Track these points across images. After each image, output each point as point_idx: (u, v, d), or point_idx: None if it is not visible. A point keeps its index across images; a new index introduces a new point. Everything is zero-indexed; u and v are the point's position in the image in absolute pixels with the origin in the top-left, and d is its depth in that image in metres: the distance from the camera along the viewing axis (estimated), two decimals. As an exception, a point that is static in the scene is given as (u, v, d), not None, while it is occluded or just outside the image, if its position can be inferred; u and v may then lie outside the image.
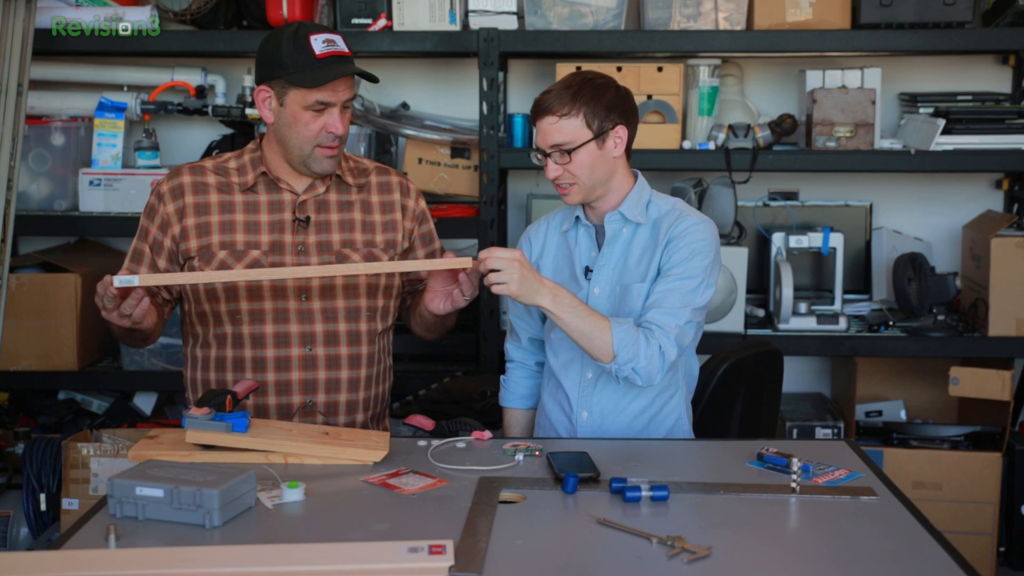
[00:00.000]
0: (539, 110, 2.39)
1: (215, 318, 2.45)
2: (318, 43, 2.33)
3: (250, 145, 2.51)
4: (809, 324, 3.70)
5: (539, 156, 2.42)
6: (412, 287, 2.58)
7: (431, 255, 2.58)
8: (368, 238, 2.48)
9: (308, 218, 2.44)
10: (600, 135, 2.37)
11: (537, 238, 2.58)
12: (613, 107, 2.39)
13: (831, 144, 3.68)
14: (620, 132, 2.40)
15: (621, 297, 2.43)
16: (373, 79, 2.43)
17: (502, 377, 2.69)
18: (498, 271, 2.24)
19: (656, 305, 2.36)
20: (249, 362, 2.43)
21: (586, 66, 3.69)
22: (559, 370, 2.51)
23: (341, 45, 2.37)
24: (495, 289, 2.26)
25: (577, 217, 2.51)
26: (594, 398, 2.46)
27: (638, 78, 3.68)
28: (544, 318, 2.58)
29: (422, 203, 2.59)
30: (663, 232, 2.42)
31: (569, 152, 2.36)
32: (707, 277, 2.39)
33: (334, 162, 2.42)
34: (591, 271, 2.46)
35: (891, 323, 3.75)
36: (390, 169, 2.60)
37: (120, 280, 2.17)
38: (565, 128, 2.36)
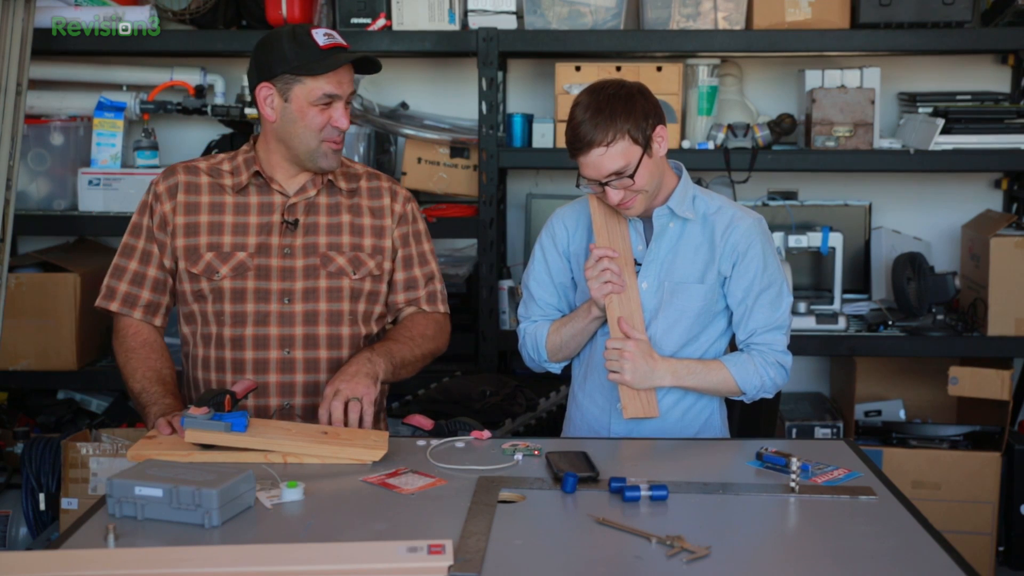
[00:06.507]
0: (581, 144, 2.28)
1: (202, 318, 2.46)
2: (320, 36, 2.38)
3: (244, 147, 2.52)
4: (808, 324, 3.70)
5: (593, 186, 2.34)
6: (395, 312, 2.55)
7: (407, 258, 2.53)
8: (355, 241, 2.48)
9: (296, 221, 2.45)
10: (647, 145, 2.31)
11: (571, 224, 2.51)
12: (648, 112, 2.32)
13: (830, 144, 3.68)
14: (661, 132, 2.34)
15: (670, 294, 2.41)
16: (377, 66, 2.45)
17: (526, 331, 2.56)
18: (615, 357, 2.35)
19: (760, 328, 2.44)
20: (229, 363, 2.44)
21: (585, 66, 3.70)
22: (598, 363, 2.47)
23: (340, 39, 2.42)
24: (610, 377, 2.38)
25: None
26: None
27: (637, 78, 3.64)
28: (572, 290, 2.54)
29: (410, 206, 2.55)
30: (719, 234, 2.40)
31: (632, 176, 2.30)
32: (781, 272, 2.45)
33: (339, 157, 2.45)
34: (639, 265, 2.43)
35: (890, 323, 3.75)
36: (380, 174, 2.58)
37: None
38: (616, 155, 2.28)
